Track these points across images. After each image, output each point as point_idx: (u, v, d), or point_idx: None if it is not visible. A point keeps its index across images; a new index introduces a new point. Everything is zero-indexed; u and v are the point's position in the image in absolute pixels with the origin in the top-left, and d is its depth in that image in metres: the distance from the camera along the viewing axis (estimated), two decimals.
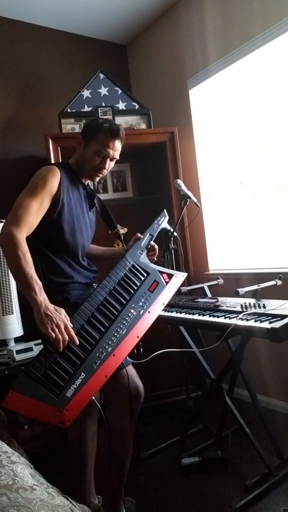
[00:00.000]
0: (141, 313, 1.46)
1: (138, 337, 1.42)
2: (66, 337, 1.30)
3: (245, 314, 1.66)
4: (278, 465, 1.90)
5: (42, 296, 1.33)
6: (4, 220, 1.43)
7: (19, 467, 0.99)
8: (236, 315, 1.68)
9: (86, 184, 1.72)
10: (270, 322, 1.52)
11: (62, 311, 1.34)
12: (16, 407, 1.22)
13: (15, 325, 2.32)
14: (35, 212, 1.44)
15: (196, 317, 1.83)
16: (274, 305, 1.72)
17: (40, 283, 1.35)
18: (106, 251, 1.93)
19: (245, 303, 1.79)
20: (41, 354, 1.31)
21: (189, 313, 1.90)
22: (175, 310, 1.99)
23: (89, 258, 1.78)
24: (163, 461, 2.12)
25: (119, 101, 2.86)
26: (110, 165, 1.66)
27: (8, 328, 2.30)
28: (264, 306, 1.73)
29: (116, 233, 1.80)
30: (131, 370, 1.53)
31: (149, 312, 1.48)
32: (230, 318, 1.68)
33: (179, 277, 1.64)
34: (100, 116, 2.76)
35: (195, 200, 2.26)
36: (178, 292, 2.24)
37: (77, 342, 1.32)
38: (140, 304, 1.48)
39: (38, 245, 1.54)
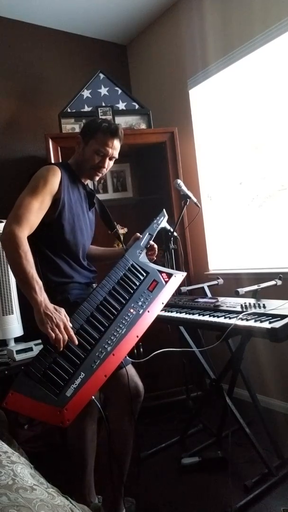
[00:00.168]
0: (140, 312, 1.46)
1: (137, 336, 1.42)
2: (66, 336, 1.30)
3: (245, 314, 1.66)
4: (278, 465, 1.90)
5: (42, 296, 1.33)
6: (4, 220, 1.43)
7: (19, 467, 0.99)
8: (236, 315, 1.68)
9: (86, 184, 1.73)
10: (270, 322, 1.52)
11: (62, 310, 1.35)
12: (16, 407, 1.22)
13: (15, 325, 2.32)
14: (36, 211, 1.45)
15: (196, 317, 1.83)
16: (274, 305, 1.72)
17: (40, 282, 1.35)
18: (105, 251, 1.93)
19: (245, 303, 1.79)
20: (41, 354, 1.31)
21: (189, 313, 1.90)
22: (175, 310, 1.99)
23: (89, 258, 1.78)
24: (163, 461, 2.12)
25: (119, 101, 2.86)
26: (109, 164, 1.66)
27: (8, 328, 2.30)
28: (264, 306, 1.73)
29: (115, 233, 1.80)
30: (130, 370, 1.53)
31: (148, 311, 1.48)
32: (230, 318, 1.68)
33: (179, 276, 1.64)
34: (100, 116, 2.76)
35: (195, 200, 2.26)
36: (178, 292, 2.24)
37: (76, 342, 1.32)
38: (140, 303, 1.48)
39: (38, 244, 1.54)
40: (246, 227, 2.71)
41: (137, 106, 2.89)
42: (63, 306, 1.38)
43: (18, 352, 2.19)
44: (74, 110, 2.78)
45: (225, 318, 1.70)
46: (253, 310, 1.70)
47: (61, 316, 1.32)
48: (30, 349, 2.21)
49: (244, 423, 1.89)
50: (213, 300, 1.99)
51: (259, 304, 1.76)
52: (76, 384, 1.26)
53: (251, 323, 1.57)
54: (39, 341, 2.15)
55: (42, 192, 1.47)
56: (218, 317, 1.73)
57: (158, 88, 3.24)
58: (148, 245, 1.69)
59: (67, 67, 3.18)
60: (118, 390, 1.50)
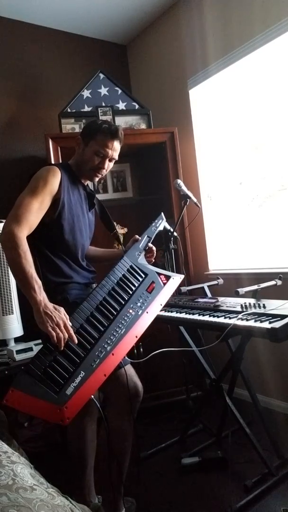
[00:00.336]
0: (139, 313, 1.47)
1: (136, 336, 1.43)
2: (66, 335, 1.31)
3: (245, 314, 1.66)
4: (278, 465, 1.90)
5: (41, 295, 1.33)
6: (4, 220, 1.43)
7: (19, 467, 0.99)
8: (236, 315, 1.68)
9: (86, 184, 1.73)
10: (270, 322, 1.52)
11: (61, 309, 1.35)
12: (16, 405, 1.22)
13: (15, 325, 2.32)
14: (36, 211, 1.45)
15: (196, 317, 1.83)
16: (274, 305, 1.72)
17: (40, 282, 1.35)
18: (104, 253, 1.93)
19: (245, 303, 1.79)
20: (41, 352, 1.31)
21: (189, 313, 1.90)
22: (175, 310, 1.99)
23: (88, 259, 1.79)
24: (163, 461, 2.12)
25: (119, 101, 2.86)
26: (109, 165, 1.67)
27: (8, 328, 2.30)
28: (264, 306, 1.73)
29: (115, 235, 1.80)
30: (129, 369, 1.54)
31: (147, 312, 1.49)
32: (230, 318, 1.68)
33: (177, 278, 1.66)
34: (100, 116, 2.76)
35: (195, 200, 2.26)
36: (178, 292, 2.24)
37: (76, 341, 1.32)
38: (138, 304, 1.49)
39: (38, 245, 1.54)
40: (246, 227, 2.71)
41: (137, 106, 2.89)
42: (63, 306, 1.38)
43: (18, 352, 2.19)
44: (74, 110, 2.78)
45: (225, 318, 1.70)
46: (253, 310, 1.70)
47: (61, 315, 1.33)
48: (30, 349, 2.21)
49: (244, 423, 1.89)
50: (213, 300, 1.99)
51: (259, 304, 1.76)
52: (76, 383, 1.26)
53: (251, 323, 1.57)
54: (39, 341, 2.15)
55: (42, 192, 1.47)
56: (218, 317, 1.73)
57: (158, 88, 3.24)
58: (147, 248, 1.71)
59: (67, 67, 3.18)
60: (117, 390, 1.50)
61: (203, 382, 2.70)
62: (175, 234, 2.13)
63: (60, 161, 2.56)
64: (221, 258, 2.89)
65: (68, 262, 1.61)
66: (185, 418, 2.37)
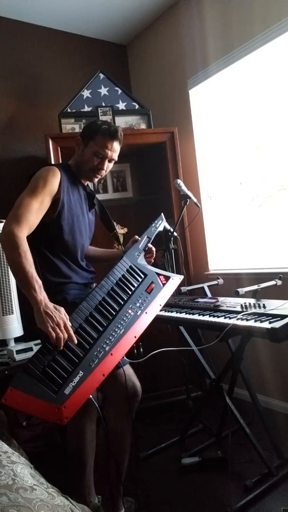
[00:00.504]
0: (138, 313, 1.47)
1: (135, 337, 1.43)
2: (66, 335, 1.31)
3: (245, 314, 1.66)
4: (278, 465, 1.90)
5: (42, 295, 1.33)
6: (4, 220, 1.44)
7: (19, 467, 0.99)
8: (236, 315, 1.68)
9: (86, 185, 1.73)
10: (270, 322, 1.52)
11: (62, 309, 1.35)
12: (15, 404, 1.22)
13: (15, 325, 2.32)
14: (36, 211, 1.45)
15: (196, 317, 1.83)
16: (274, 305, 1.72)
17: (40, 281, 1.35)
18: (104, 253, 1.93)
19: (245, 303, 1.79)
20: (40, 352, 1.31)
21: (189, 313, 1.90)
22: (175, 310, 1.99)
23: (88, 259, 1.79)
24: (163, 461, 2.12)
25: (119, 101, 2.86)
26: (108, 166, 1.67)
27: (8, 328, 2.30)
28: (264, 306, 1.73)
29: (115, 235, 1.80)
30: (128, 369, 1.54)
31: (146, 312, 1.49)
32: (230, 318, 1.68)
33: (176, 279, 1.66)
34: (100, 116, 2.76)
35: (195, 200, 2.26)
36: (178, 292, 2.24)
37: (76, 341, 1.33)
38: (138, 304, 1.49)
39: (37, 245, 1.54)
40: (246, 227, 2.71)
41: (137, 106, 2.89)
42: (63, 305, 1.38)
43: (18, 352, 2.19)
44: (74, 110, 2.78)
45: (225, 318, 1.70)
46: (253, 310, 1.70)
47: (61, 315, 1.33)
48: (30, 349, 2.22)
49: (244, 423, 1.89)
50: (213, 300, 1.99)
51: (259, 304, 1.76)
52: (74, 382, 1.26)
53: (251, 323, 1.57)
54: (39, 341, 2.15)
55: (42, 192, 1.47)
56: (218, 317, 1.73)
57: (158, 88, 3.24)
58: (146, 248, 1.71)
59: (67, 67, 3.18)
60: (115, 390, 1.50)
61: (203, 382, 2.70)
62: (175, 234, 2.13)
63: (60, 161, 2.56)
64: (221, 258, 2.88)
65: (67, 262, 1.61)
66: (185, 418, 2.37)
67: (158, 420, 2.55)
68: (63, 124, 2.75)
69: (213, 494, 1.80)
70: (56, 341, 1.29)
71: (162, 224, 1.84)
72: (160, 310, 1.58)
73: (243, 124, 2.65)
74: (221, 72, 2.69)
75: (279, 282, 1.93)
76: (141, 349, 2.49)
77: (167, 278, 1.63)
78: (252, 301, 1.83)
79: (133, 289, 1.53)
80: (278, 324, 1.48)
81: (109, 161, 1.65)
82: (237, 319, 1.63)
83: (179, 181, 2.28)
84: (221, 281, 2.26)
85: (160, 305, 1.56)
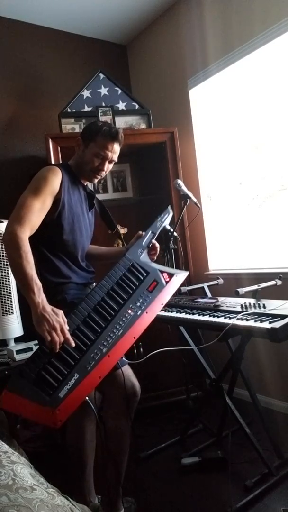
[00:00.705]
0: (138, 313, 1.44)
1: (134, 337, 1.41)
2: (62, 339, 1.30)
3: (245, 314, 1.66)
4: (278, 465, 1.90)
5: (40, 297, 1.33)
6: (4, 220, 1.44)
7: (19, 467, 0.99)
8: (236, 315, 1.68)
9: (85, 184, 1.73)
10: (270, 322, 1.52)
11: (60, 313, 1.34)
12: (10, 407, 1.23)
13: (15, 325, 2.32)
14: (38, 211, 1.45)
15: (196, 317, 1.83)
16: (274, 305, 1.72)
17: (39, 284, 1.35)
18: (107, 251, 1.93)
19: (245, 303, 1.79)
20: (36, 354, 1.31)
21: (189, 313, 1.90)
22: (175, 310, 1.99)
23: (91, 258, 1.79)
24: (163, 461, 2.12)
25: (119, 101, 2.86)
26: (108, 167, 1.68)
27: (8, 328, 2.30)
28: (264, 306, 1.73)
29: (116, 232, 1.80)
30: (127, 370, 1.54)
31: (147, 312, 1.46)
32: (230, 318, 1.68)
33: (180, 276, 1.61)
34: (100, 116, 2.76)
35: (195, 200, 2.26)
36: (178, 292, 2.24)
37: (73, 345, 1.32)
38: (138, 304, 1.46)
39: (37, 244, 1.54)
40: (246, 227, 2.71)
41: (137, 106, 2.89)
42: (62, 306, 1.38)
43: (18, 352, 2.19)
44: (74, 110, 2.78)
45: (225, 318, 1.70)
46: (253, 310, 1.70)
47: (58, 318, 1.32)
48: (30, 349, 2.21)
49: (244, 423, 1.89)
50: (213, 300, 1.99)
51: (259, 304, 1.76)
52: (69, 385, 1.25)
53: (251, 323, 1.57)
54: None
55: (44, 192, 1.48)
56: (218, 317, 1.73)
57: (158, 88, 3.24)
58: (150, 244, 1.66)
59: (67, 67, 3.18)
60: (114, 390, 1.50)
61: (203, 382, 2.70)
62: (175, 234, 2.13)
63: (60, 161, 2.56)
64: (221, 258, 2.88)
65: (67, 262, 1.61)
66: (185, 418, 2.37)
67: (158, 420, 2.55)
68: (63, 124, 2.75)
69: (213, 494, 1.80)
70: (51, 344, 1.28)
71: (169, 218, 1.77)
72: (160, 310, 1.56)
73: (243, 124, 2.65)
74: (221, 72, 2.69)
75: (279, 282, 1.93)
76: (141, 349, 2.49)
77: (170, 275, 1.59)
78: (252, 301, 1.83)
79: (134, 287, 1.50)
80: (278, 324, 1.48)
81: (109, 162, 1.66)
82: (237, 319, 1.63)
83: (179, 181, 2.28)
84: (221, 281, 2.26)
85: (162, 304, 1.52)
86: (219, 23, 2.64)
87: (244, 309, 1.73)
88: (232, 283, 2.42)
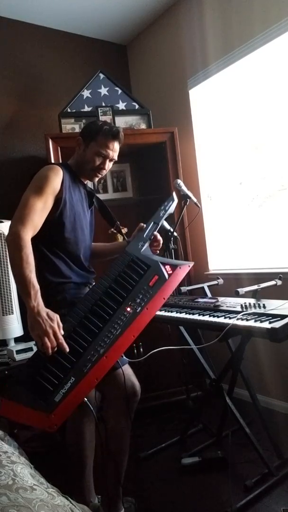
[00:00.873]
0: (138, 310, 1.39)
1: (133, 336, 1.37)
2: (54, 344, 1.29)
3: (245, 314, 1.66)
4: (278, 465, 1.90)
5: (36, 301, 1.33)
6: (4, 220, 1.44)
7: (19, 467, 0.99)
8: (236, 315, 1.68)
9: (85, 183, 1.74)
10: (270, 322, 1.52)
11: (55, 317, 1.33)
12: (8, 414, 1.24)
13: (15, 325, 2.32)
14: (40, 211, 1.46)
15: (196, 317, 1.83)
16: (274, 305, 1.72)
17: (37, 287, 1.35)
18: (110, 246, 1.92)
19: (245, 303, 1.79)
20: (32, 359, 1.31)
21: (189, 313, 1.89)
22: (175, 310, 1.99)
23: (95, 256, 1.79)
24: (163, 461, 2.12)
25: (119, 101, 2.86)
26: (109, 166, 1.68)
27: (8, 328, 2.30)
28: (264, 306, 1.73)
29: (117, 228, 1.80)
30: (127, 369, 1.54)
31: (147, 309, 1.41)
32: (230, 318, 1.68)
33: (184, 267, 1.53)
34: (100, 116, 2.76)
35: (195, 200, 2.26)
36: (178, 292, 2.24)
37: (67, 350, 1.31)
38: (138, 301, 1.41)
39: (38, 244, 1.54)
40: (246, 227, 2.71)
41: (137, 106, 2.89)
42: (62, 306, 1.38)
43: (18, 352, 2.19)
44: (74, 110, 2.78)
45: (225, 318, 1.70)
46: (253, 310, 1.70)
47: (53, 323, 1.31)
48: (30, 349, 2.21)
49: (244, 423, 1.89)
50: (213, 300, 1.99)
51: (259, 304, 1.76)
52: (65, 389, 1.25)
53: (251, 323, 1.57)
54: None
55: (46, 192, 1.48)
56: (218, 317, 1.73)
57: (158, 88, 3.24)
58: (152, 237, 1.60)
59: (67, 67, 3.18)
60: (114, 390, 1.50)
61: (203, 382, 2.70)
62: (175, 234, 2.13)
63: (60, 161, 2.56)
64: (221, 258, 2.88)
65: (67, 262, 1.61)
66: (185, 418, 2.37)
67: (158, 420, 2.55)
68: (63, 124, 2.75)
69: (213, 494, 1.80)
70: (43, 349, 1.28)
71: (173, 205, 1.66)
72: (160, 310, 1.54)
73: (243, 124, 2.65)
74: (221, 72, 2.68)
75: (279, 282, 1.93)
76: (141, 349, 2.49)
77: (173, 267, 1.50)
78: (252, 301, 1.83)
79: (134, 283, 1.43)
80: (278, 324, 1.47)
81: (110, 160, 1.66)
82: (237, 319, 1.63)
83: (179, 181, 2.28)
84: (221, 281, 2.26)
85: (164, 298, 1.46)
86: (219, 23, 2.64)
87: (244, 309, 1.73)
88: (232, 283, 2.42)
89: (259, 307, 1.73)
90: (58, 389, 1.24)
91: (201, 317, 1.80)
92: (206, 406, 2.34)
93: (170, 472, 2.01)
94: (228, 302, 1.91)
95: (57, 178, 1.52)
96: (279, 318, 1.54)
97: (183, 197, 2.26)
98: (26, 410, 1.22)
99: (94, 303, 1.39)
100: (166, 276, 1.47)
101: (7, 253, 1.52)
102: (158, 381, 2.68)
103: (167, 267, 1.50)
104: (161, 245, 1.67)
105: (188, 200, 2.23)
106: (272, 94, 2.45)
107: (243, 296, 1.87)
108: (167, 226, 1.87)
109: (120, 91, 2.88)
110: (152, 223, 1.62)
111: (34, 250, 1.46)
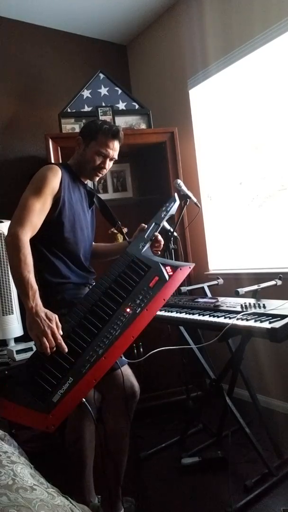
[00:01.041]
0: (137, 311, 1.39)
1: (133, 337, 1.37)
2: (53, 344, 1.29)
3: (245, 314, 1.66)
4: (278, 465, 1.90)
5: (34, 302, 1.33)
6: (4, 220, 1.44)
7: (19, 467, 0.99)
8: (236, 315, 1.68)
9: (86, 183, 1.73)
10: (270, 322, 1.52)
11: (54, 318, 1.33)
12: (8, 415, 1.25)
13: (15, 325, 2.32)
14: (39, 212, 1.46)
15: (196, 317, 1.83)
16: (274, 305, 1.72)
17: (35, 287, 1.35)
18: (111, 247, 1.92)
19: (245, 303, 1.79)
20: (30, 360, 1.31)
21: (189, 313, 1.89)
22: (175, 310, 1.99)
23: (97, 256, 1.80)
24: (163, 461, 2.12)
25: (119, 101, 2.86)
26: (109, 165, 1.68)
27: (8, 328, 2.30)
28: (264, 306, 1.73)
29: (118, 228, 1.79)
30: (126, 370, 1.54)
31: (147, 310, 1.40)
32: (230, 318, 1.68)
33: (184, 269, 1.52)
34: (100, 116, 2.76)
35: (195, 200, 2.26)
36: (178, 292, 2.24)
37: (66, 350, 1.31)
38: (138, 302, 1.40)
39: (37, 244, 1.54)
40: (246, 227, 2.71)
41: (137, 106, 2.89)
42: (62, 306, 1.38)
43: (18, 352, 2.19)
44: (74, 110, 2.78)
45: (225, 318, 1.70)
46: (253, 310, 1.70)
47: (51, 323, 1.31)
48: (30, 349, 2.21)
49: (244, 423, 1.89)
50: (213, 300, 1.99)
51: (259, 304, 1.76)
52: (63, 390, 1.25)
53: (251, 323, 1.57)
54: None
55: (44, 192, 1.48)
56: (218, 317, 1.73)
57: (158, 88, 3.24)
58: (153, 237, 1.59)
59: (67, 67, 3.18)
60: (113, 390, 1.50)
61: (203, 382, 2.70)
62: (175, 234, 2.13)
63: (60, 161, 2.56)
64: (221, 258, 2.88)
65: (66, 262, 1.60)
66: (185, 418, 2.37)
67: (158, 420, 2.55)
68: (63, 124, 2.75)
69: (213, 494, 1.80)
70: (41, 349, 1.29)
71: (175, 206, 1.66)
72: (160, 310, 1.54)
73: (243, 124, 2.65)
74: (221, 72, 2.69)
75: (279, 282, 1.93)
76: (141, 349, 2.49)
77: (174, 268, 1.49)
78: (252, 301, 1.83)
79: (134, 284, 1.43)
80: (278, 324, 1.47)
81: (110, 160, 1.66)
82: (237, 319, 1.63)
83: (179, 181, 2.28)
84: (221, 281, 2.26)
85: (164, 299, 1.45)
86: (219, 23, 2.64)
87: (244, 309, 1.73)
88: (232, 283, 2.42)
89: (259, 307, 1.73)
90: (56, 389, 1.25)
91: (201, 317, 1.80)
92: (206, 406, 2.34)
93: (170, 472, 2.01)
94: (228, 302, 1.91)
95: (55, 178, 1.52)
96: (279, 318, 1.54)
97: (183, 197, 2.26)
98: (24, 411, 1.22)
99: (94, 303, 1.39)
100: (167, 277, 1.47)
101: (6, 254, 1.52)
102: (158, 381, 2.68)
103: (168, 268, 1.49)
104: (162, 246, 1.66)
105: (188, 200, 2.23)
106: (272, 94, 2.45)
107: (243, 296, 1.87)
108: (167, 226, 1.87)
109: (120, 91, 2.88)
110: (153, 224, 1.61)
111: (34, 250, 1.46)
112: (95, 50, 3.34)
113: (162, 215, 1.63)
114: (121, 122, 2.82)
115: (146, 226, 1.63)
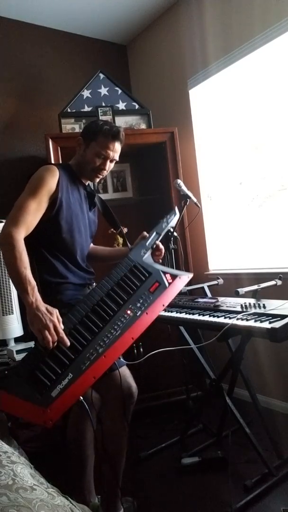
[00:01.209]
0: (138, 314, 1.42)
1: (132, 338, 1.40)
2: (55, 338, 1.29)
3: (245, 314, 1.66)
4: (278, 465, 1.90)
5: (34, 297, 1.33)
6: (3, 220, 1.45)
7: (19, 467, 0.99)
8: (236, 315, 1.68)
9: (86, 184, 1.73)
10: (270, 322, 1.52)
11: (55, 312, 1.34)
12: (5, 407, 1.24)
13: (15, 325, 2.32)
14: (34, 212, 1.46)
15: (196, 317, 1.83)
16: (274, 305, 1.72)
17: (33, 283, 1.35)
18: (111, 251, 1.92)
19: (245, 303, 1.79)
20: (31, 353, 1.31)
21: (189, 313, 1.90)
22: (175, 310, 1.99)
23: (95, 259, 1.79)
24: (163, 461, 2.12)
25: (119, 101, 2.86)
26: (109, 166, 1.67)
27: (8, 328, 2.30)
28: (264, 306, 1.73)
29: (120, 232, 1.79)
30: (124, 371, 1.54)
31: (147, 313, 1.44)
32: (230, 318, 1.68)
33: (183, 278, 1.58)
34: (100, 116, 2.76)
35: (195, 200, 2.26)
36: (178, 292, 2.24)
37: (68, 344, 1.31)
38: (138, 305, 1.44)
39: (35, 244, 1.54)
40: (246, 227, 2.71)
41: (137, 106, 2.89)
42: (59, 306, 1.38)
43: (18, 352, 2.19)
44: (74, 110, 2.78)
45: (225, 318, 1.70)
46: (253, 310, 1.70)
47: (52, 317, 1.32)
48: (30, 349, 2.21)
49: (244, 423, 1.89)
50: (213, 300, 1.99)
51: (259, 304, 1.76)
52: (62, 385, 1.25)
53: (251, 323, 1.57)
54: None
55: (40, 192, 1.48)
56: (218, 317, 1.73)
57: (158, 88, 3.24)
58: (154, 246, 1.63)
59: (67, 67, 3.18)
60: (111, 390, 1.50)
61: (203, 382, 2.70)
62: (175, 234, 2.13)
63: (60, 161, 2.56)
64: (221, 258, 2.89)
65: (65, 262, 1.60)
66: (185, 418, 2.37)
67: (158, 420, 2.55)
68: (63, 124, 2.74)
69: (213, 494, 1.80)
70: (44, 343, 1.29)
71: (175, 219, 1.72)
72: (161, 312, 1.55)
73: (243, 124, 2.65)
74: (221, 72, 2.69)
75: (279, 282, 1.93)
76: (141, 349, 2.49)
77: (174, 277, 1.55)
78: (252, 301, 1.83)
79: (135, 288, 1.47)
80: (278, 324, 1.48)
81: (111, 161, 1.65)
82: (237, 319, 1.63)
83: (179, 181, 2.29)
84: (221, 281, 2.26)
85: (164, 305, 1.50)
86: (219, 23, 2.64)
87: (244, 309, 1.73)
88: (232, 283, 2.42)
89: (259, 307, 1.73)
90: (55, 384, 1.25)
91: (201, 317, 1.80)
92: (206, 406, 2.34)
93: (170, 472, 2.01)
94: (228, 302, 1.91)
95: (52, 179, 1.52)
96: (279, 318, 1.54)
97: (183, 197, 2.27)
98: (23, 404, 1.22)
99: (96, 303, 1.41)
100: (167, 284, 1.53)
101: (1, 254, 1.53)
102: (158, 381, 2.68)
103: (168, 276, 1.55)
104: (163, 254, 1.69)
105: (188, 200, 2.24)
106: (272, 94, 2.45)
107: (243, 296, 1.87)
108: (171, 228, 1.87)
109: (120, 91, 2.88)
110: (155, 233, 1.65)
111: (32, 251, 1.46)
112: (95, 50, 3.34)
113: (163, 226, 1.68)
114: (121, 122, 2.82)
115: (147, 234, 1.65)
